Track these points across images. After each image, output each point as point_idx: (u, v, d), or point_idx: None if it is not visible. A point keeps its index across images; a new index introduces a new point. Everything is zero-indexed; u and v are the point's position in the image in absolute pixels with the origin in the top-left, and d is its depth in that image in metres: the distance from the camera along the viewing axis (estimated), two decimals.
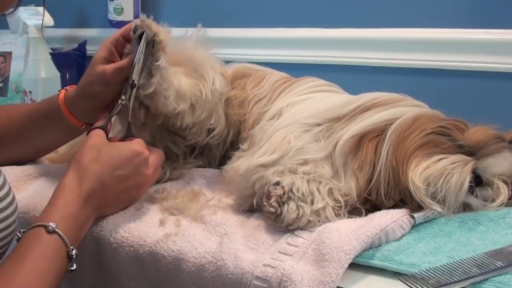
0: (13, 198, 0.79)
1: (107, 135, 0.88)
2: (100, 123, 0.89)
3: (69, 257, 0.75)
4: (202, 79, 0.97)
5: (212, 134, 1.01)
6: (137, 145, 0.86)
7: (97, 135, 0.86)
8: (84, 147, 0.84)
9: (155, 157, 0.89)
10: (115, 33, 0.94)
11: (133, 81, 0.89)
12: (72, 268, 0.75)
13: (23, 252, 0.72)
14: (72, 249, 0.75)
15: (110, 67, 0.91)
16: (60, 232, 0.74)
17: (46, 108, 0.99)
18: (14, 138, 1.00)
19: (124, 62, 0.91)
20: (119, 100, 0.90)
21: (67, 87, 0.99)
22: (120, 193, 0.84)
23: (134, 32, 0.89)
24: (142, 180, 0.87)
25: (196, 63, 0.98)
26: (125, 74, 0.90)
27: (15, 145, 1.01)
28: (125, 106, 0.90)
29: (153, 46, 0.89)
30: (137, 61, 0.89)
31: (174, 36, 0.96)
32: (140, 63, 0.89)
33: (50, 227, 0.74)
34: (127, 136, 0.90)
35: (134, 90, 0.90)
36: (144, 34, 0.88)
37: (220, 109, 1.01)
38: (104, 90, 0.92)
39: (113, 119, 0.92)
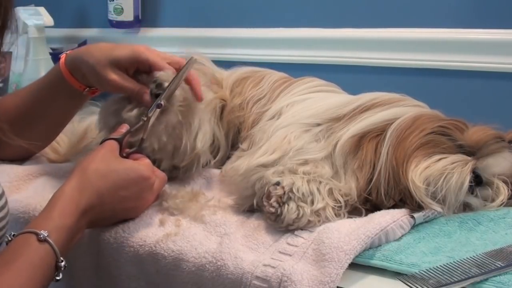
0: (6, 202, 0.77)
1: (121, 148, 0.86)
2: (115, 134, 0.87)
3: (57, 268, 0.72)
4: (187, 132, 0.94)
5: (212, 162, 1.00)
6: (146, 168, 0.83)
7: (111, 146, 0.84)
8: (95, 156, 0.81)
9: (159, 183, 0.86)
10: (151, 55, 0.91)
11: (161, 103, 0.88)
12: (58, 278, 0.72)
13: (9, 257, 0.70)
14: (62, 260, 0.72)
15: (115, 82, 0.90)
16: (51, 242, 0.71)
17: (49, 79, 0.98)
18: (25, 119, 0.97)
19: (129, 88, 0.90)
20: (142, 117, 0.88)
21: (68, 51, 0.96)
22: (117, 212, 0.82)
23: (156, 86, 0.88)
24: (143, 205, 0.85)
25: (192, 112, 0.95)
26: (120, 94, 0.92)
27: (28, 127, 0.98)
28: (146, 122, 0.88)
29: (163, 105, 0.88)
30: (171, 85, 0.88)
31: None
32: (172, 87, 0.89)
33: (41, 235, 0.71)
34: (138, 151, 0.88)
35: (159, 111, 0.88)
36: (189, 59, 0.90)
37: (207, 152, 0.99)
38: (95, 82, 0.93)
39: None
